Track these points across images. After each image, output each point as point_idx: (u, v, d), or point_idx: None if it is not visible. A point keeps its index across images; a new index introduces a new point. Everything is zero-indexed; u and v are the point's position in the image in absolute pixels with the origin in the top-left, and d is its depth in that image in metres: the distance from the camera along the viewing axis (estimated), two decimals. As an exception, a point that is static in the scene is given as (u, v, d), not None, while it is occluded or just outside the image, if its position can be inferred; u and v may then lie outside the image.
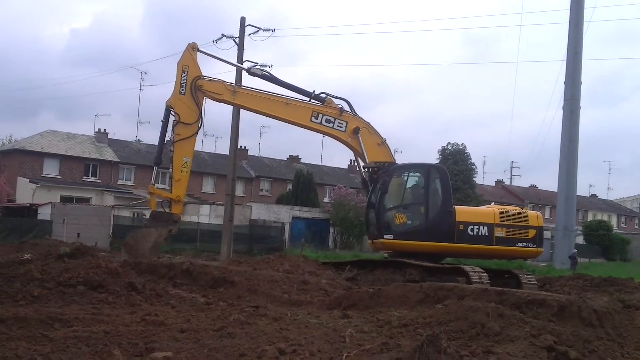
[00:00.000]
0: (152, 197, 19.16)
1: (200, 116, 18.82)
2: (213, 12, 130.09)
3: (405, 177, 19.50)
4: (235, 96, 19.35)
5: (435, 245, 18.53)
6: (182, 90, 18.54)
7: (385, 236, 18.65)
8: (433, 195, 19.14)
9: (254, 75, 19.97)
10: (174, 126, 18.63)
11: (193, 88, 18.57)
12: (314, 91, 19.48)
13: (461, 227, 18.61)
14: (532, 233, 19.09)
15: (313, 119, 19.25)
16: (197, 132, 19.01)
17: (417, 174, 19.68)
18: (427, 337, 6.49)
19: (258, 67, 20.05)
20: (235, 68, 26.96)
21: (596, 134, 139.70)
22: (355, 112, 19.65)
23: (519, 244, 18.89)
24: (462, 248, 18.84)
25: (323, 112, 19.30)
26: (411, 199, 19.33)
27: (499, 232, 18.74)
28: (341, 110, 19.42)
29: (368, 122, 19.66)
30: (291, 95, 19.57)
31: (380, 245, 19.29)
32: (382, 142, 19.67)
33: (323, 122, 19.30)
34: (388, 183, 18.86)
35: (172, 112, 18.64)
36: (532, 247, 19.11)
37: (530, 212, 19.99)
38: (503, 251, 19.22)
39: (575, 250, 39.05)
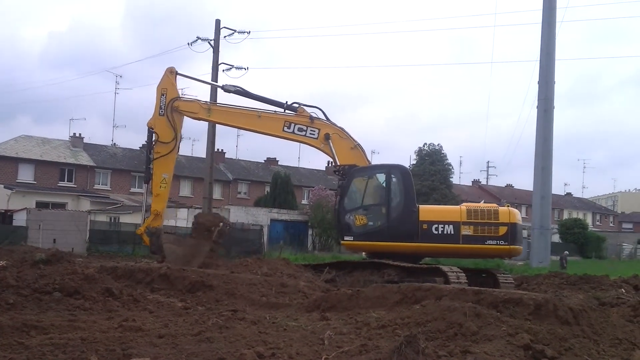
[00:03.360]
0: (143, 236, 20.05)
1: (176, 135, 20.09)
2: (193, 15, 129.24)
3: (366, 179, 19.52)
4: (210, 114, 20.73)
5: (396, 245, 18.30)
6: (162, 111, 19.88)
7: (346, 237, 18.87)
8: (395, 195, 19.02)
9: (228, 92, 20.99)
10: (153, 145, 19.93)
11: (170, 109, 19.81)
12: (287, 102, 20.17)
13: (425, 226, 18.32)
14: (503, 230, 18.23)
15: (285, 128, 19.94)
16: (174, 149, 20.26)
17: (378, 175, 19.61)
18: (405, 337, 6.54)
19: (231, 85, 21.22)
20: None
21: (572, 132, 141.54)
22: (329, 119, 20.11)
23: (489, 241, 18.19)
24: (425, 247, 18.57)
25: (294, 121, 19.87)
26: (372, 199, 19.29)
27: (466, 230, 18.25)
28: (312, 118, 19.86)
29: (341, 128, 19.92)
30: (266, 108, 20.36)
31: (345, 246, 19.70)
32: (355, 146, 19.76)
33: (295, 131, 19.91)
34: (347, 185, 19.05)
35: (153, 132, 19.94)
36: (503, 245, 18.21)
37: (502, 208, 19.08)
38: (471, 249, 18.55)
39: (566, 252, 41.46)
